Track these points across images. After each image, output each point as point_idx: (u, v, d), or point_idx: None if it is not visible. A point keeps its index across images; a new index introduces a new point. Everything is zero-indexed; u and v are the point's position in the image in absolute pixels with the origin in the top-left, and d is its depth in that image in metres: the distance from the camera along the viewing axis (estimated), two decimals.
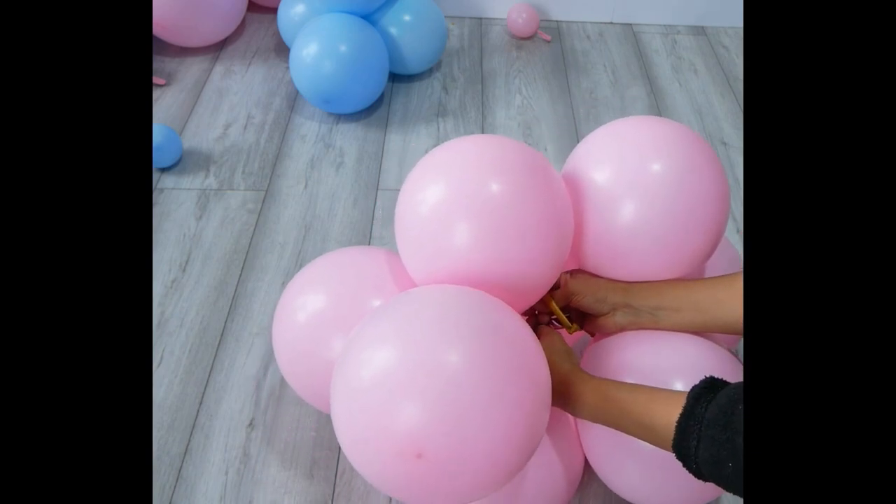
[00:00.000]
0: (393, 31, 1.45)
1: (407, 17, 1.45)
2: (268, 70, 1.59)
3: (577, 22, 1.81)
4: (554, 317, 0.83)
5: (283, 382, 1.00)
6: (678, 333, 0.77)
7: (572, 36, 1.76)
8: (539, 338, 0.75)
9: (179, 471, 0.91)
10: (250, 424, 0.96)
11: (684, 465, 0.57)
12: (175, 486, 0.89)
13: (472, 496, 0.63)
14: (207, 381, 1.00)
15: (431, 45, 1.51)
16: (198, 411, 0.97)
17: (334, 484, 0.90)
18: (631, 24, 1.80)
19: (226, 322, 1.08)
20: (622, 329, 0.79)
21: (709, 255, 0.79)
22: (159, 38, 1.57)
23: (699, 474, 0.56)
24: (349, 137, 1.43)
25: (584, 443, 0.81)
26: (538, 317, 0.84)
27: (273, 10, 1.68)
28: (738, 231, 1.26)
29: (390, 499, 0.89)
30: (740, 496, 0.54)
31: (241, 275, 1.15)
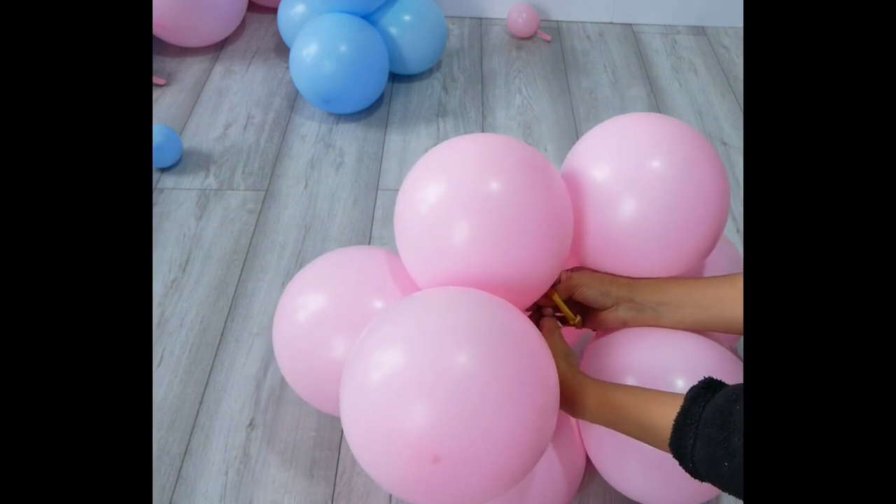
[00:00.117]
0: (393, 31, 1.45)
1: (407, 17, 1.45)
2: (268, 70, 1.59)
3: (577, 22, 1.81)
4: (558, 313, 0.83)
5: (283, 382, 1.00)
6: (679, 332, 0.77)
7: (572, 36, 1.76)
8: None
9: (179, 471, 0.91)
10: (250, 424, 0.96)
11: (681, 464, 0.57)
12: (175, 486, 0.89)
13: (481, 498, 0.63)
14: (207, 381, 1.00)
15: (431, 45, 1.51)
16: (198, 411, 0.97)
17: (334, 484, 0.90)
18: (631, 24, 1.80)
19: (226, 322, 1.08)
20: (624, 324, 0.79)
21: (708, 252, 0.79)
22: (159, 38, 1.57)
23: (695, 473, 0.56)
24: (349, 137, 1.43)
25: (586, 441, 0.82)
26: (541, 309, 0.83)
27: (273, 10, 1.68)
28: (738, 231, 1.26)
29: (390, 498, 0.89)
30: (736, 496, 0.54)
31: (241, 275, 1.15)
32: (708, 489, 0.72)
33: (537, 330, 0.69)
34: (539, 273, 0.73)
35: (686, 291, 0.76)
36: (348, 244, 1.21)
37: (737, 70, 1.66)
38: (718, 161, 0.77)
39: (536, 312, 0.84)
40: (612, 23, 1.81)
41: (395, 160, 1.38)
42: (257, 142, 1.41)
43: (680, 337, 0.76)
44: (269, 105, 1.50)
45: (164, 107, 1.48)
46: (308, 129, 1.44)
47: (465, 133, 1.46)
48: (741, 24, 1.76)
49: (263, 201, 1.28)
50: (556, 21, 1.81)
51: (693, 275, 0.84)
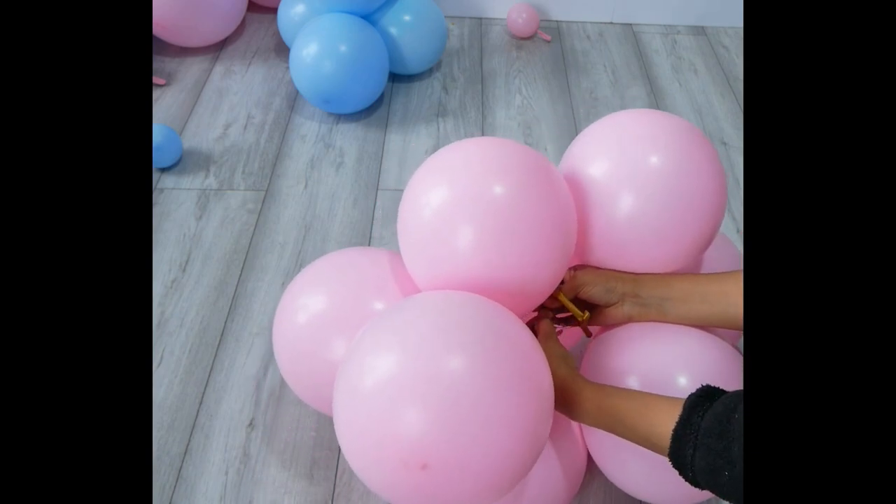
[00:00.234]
0: (393, 31, 1.45)
1: (407, 17, 1.45)
2: (268, 70, 1.59)
3: (577, 22, 1.81)
4: (562, 314, 0.83)
5: (283, 382, 1.00)
6: (682, 329, 0.77)
7: (572, 36, 1.76)
8: (537, 339, 0.75)
9: (179, 471, 0.91)
10: (250, 424, 0.96)
11: (681, 474, 0.57)
12: (175, 486, 0.89)
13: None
14: (207, 381, 1.00)
15: (431, 45, 1.51)
16: (198, 411, 0.97)
17: (334, 484, 0.90)
18: (631, 24, 1.80)
19: (226, 322, 1.08)
20: (629, 319, 0.79)
21: (706, 247, 0.79)
22: (159, 38, 1.57)
23: (696, 483, 0.56)
24: (349, 137, 1.43)
25: (587, 437, 0.82)
26: (543, 311, 0.83)
27: (273, 10, 1.68)
28: (738, 231, 1.26)
29: None
30: None
31: (241, 275, 1.15)
32: None
33: (532, 335, 0.69)
34: (543, 276, 0.73)
35: (691, 287, 0.76)
36: (348, 244, 1.21)
37: (737, 70, 1.66)
38: (715, 154, 0.78)
39: (542, 311, 0.84)
40: (612, 23, 1.81)
41: (395, 160, 1.38)
42: (257, 142, 1.41)
43: (683, 334, 0.76)
44: (269, 105, 1.50)
45: (164, 107, 1.48)
46: (308, 129, 1.44)
47: (466, 133, 1.46)
48: (741, 24, 1.76)
49: (263, 201, 1.28)
50: (556, 21, 1.81)
51: (691, 270, 0.84)
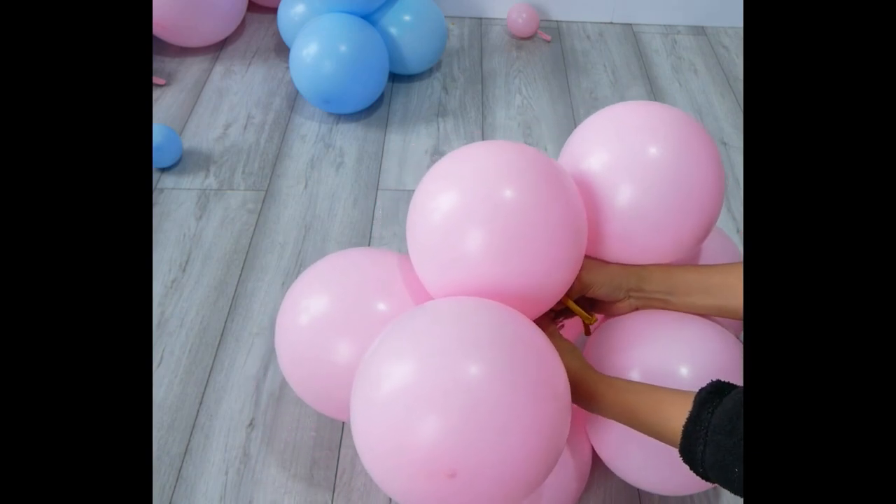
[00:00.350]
0: (393, 31, 1.45)
1: (407, 17, 1.45)
2: (268, 70, 1.59)
3: (577, 22, 1.81)
4: (564, 318, 0.83)
5: (283, 382, 1.00)
6: (685, 318, 0.77)
7: (572, 36, 1.76)
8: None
9: (179, 471, 0.91)
10: (250, 424, 0.96)
11: (691, 469, 0.58)
12: (175, 486, 0.89)
13: None
14: (207, 381, 1.00)
15: (431, 45, 1.51)
16: (198, 411, 0.97)
17: (334, 484, 0.90)
18: (631, 24, 1.80)
19: (226, 322, 1.08)
20: (636, 309, 0.80)
21: (704, 237, 0.79)
22: (159, 38, 1.57)
23: (707, 478, 0.57)
24: (349, 137, 1.43)
25: (590, 430, 0.82)
26: (548, 313, 0.83)
27: (273, 10, 1.68)
28: (738, 231, 1.26)
29: (390, 499, 0.89)
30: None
31: (241, 275, 1.15)
32: None
33: (547, 338, 0.69)
34: (555, 280, 0.73)
35: (695, 279, 0.77)
36: (348, 244, 1.21)
37: (737, 70, 1.66)
38: (713, 144, 0.78)
39: (551, 314, 0.84)
40: (612, 23, 1.81)
41: (395, 160, 1.38)
42: (257, 142, 1.41)
43: (685, 323, 0.77)
44: (269, 105, 1.50)
45: (164, 107, 1.48)
46: (308, 129, 1.44)
47: (465, 133, 1.46)
48: (741, 24, 1.76)
49: (263, 201, 1.28)
50: (556, 21, 1.81)
51: (690, 261, 0.84)
